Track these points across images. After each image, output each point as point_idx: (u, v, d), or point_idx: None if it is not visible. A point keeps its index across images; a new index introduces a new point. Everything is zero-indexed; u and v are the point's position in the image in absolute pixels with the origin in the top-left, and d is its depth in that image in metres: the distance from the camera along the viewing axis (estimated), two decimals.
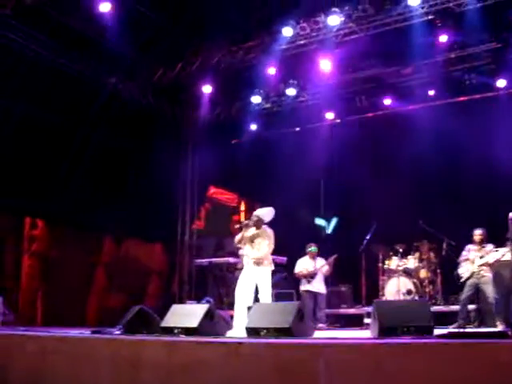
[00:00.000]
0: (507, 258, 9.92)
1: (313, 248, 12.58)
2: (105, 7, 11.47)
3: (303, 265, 12.57)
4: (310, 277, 12.37)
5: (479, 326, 10.61)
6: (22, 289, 13.26)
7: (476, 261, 10.28)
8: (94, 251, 14.85)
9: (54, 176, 13.93)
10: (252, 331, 7.11)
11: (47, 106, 13.39)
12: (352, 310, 13.03)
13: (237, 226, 10.18)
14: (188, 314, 7.68)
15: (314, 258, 12.55)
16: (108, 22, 11.73)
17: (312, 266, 12.44)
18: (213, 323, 7.65)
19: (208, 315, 7.56)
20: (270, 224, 9.66)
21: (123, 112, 14.94)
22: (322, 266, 12.39)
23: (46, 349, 7.01)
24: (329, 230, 17.04)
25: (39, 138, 13.28)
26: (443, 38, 12.57)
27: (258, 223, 9.47)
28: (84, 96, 14.09)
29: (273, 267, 9.51)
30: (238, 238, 9.61)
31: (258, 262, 9.37)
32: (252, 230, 9.47)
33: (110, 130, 14.90)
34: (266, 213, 9.59)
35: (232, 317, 9.68)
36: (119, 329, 8.30)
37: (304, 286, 12.46)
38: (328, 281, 12.94)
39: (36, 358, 6.88)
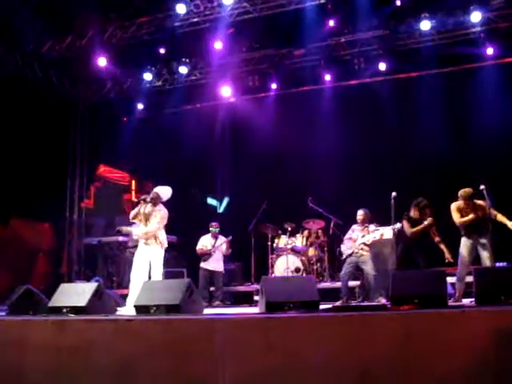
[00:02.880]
0: (388, 236, 10.40)
1: (213, 228, 12.66)
2: None
3: (203, 242, 12.65)
4: (207, 255, 12.46)
5: (363, 301, 11.07)
6: None
7: (358, 240, 10.71)
8: None
9: None
10: (142, 309, 7.09)
11: None
12: (242, 288, 13.23)
13: (136, 199, 10.04)
14: (76, 293, 7.54)
15: (214, 237, 12.64)
16: None
17: (211, 245, 12.54)
18: (102, 302, 7.56)
19: (97, 294, 7.47)
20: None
21: (9, 84, 14.29)
22: (220, 244, 12.51)
23: None
24: (220, 210, 17.21)
25: None
26: (332, 23, 12.95)
27: (156, 200, 9.42)
28: None
29: (165, 245, 9.49)
30: (133, 212, 9.50)
31: (149, 240, 9.32)
32: (148, 207, 9.40)
33: None
34: (165, 191, 9.55)
35: (122, 296, 9.63)
36: (4, 310, 8.06)
37: (201, 264, 12.54)
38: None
39: None
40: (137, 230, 9.61)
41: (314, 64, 14.31)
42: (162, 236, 9.46)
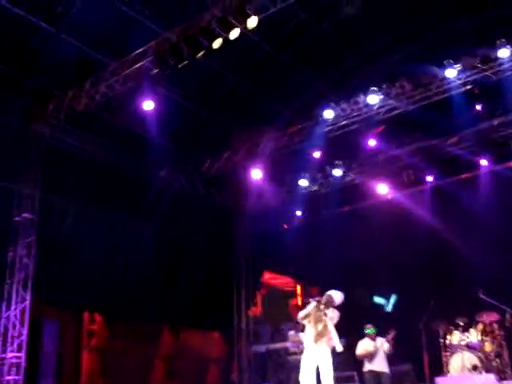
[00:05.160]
0: None
1: (371, 329, 12.25)
2: (148, 105, 11.95)
3: (364, 346, 12.23)
4: (372, 357, 12.01)
5: None
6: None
7: None
8: (152, 343, 14.89)
9: (109, 271, 14.20)
10: None
11: (101, 203, 13.84)
12: None
13: (309, 300, 9.94)
14: None
15: (373, 338, 12.20)
16: (153, 118, 12.20)
17: (372, 346, 12.09)
18: None
19: None
20: None
21: (174, 204, 15.29)
22: (381, 343, 12.03)
23: None
24: (388, 308, 16.71)
25: (95, 234, 13.65)
26: (479, 107, 12.71)
27: (329, 304, 9.33)
28: (136, 191, 14.52)
29: (339, 349, 9.25)
30: (303, 313, 9.40)
31: (321, 341, 9.17)
32: (320, 309, 9.29)
33: (162, 222, 15.24)
34: (338, 296, 9.44)
35: None
36: None
37: (366, 367, 12.08)
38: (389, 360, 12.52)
39: None
40: (312, 332, 9.38)
41: (469, 150, 13.96)
42: (336, 338, 9.27)
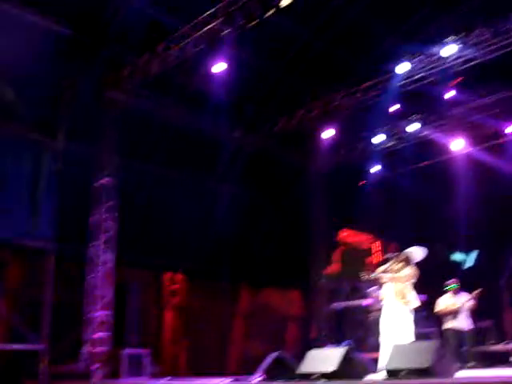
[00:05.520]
0: None
1: (453, 285, 12.04)
2: (221, 67, 11.93)
3: (445, 302, 12.07)
4: (454, 314, 11.84)
5: None
6: (166, 341, 13.77)
7: None
8: (232, 301, 15.21)
9: (188, 232, 14.50)
10: (391, 373, 6.97)
11: (177, 165, 14.08)
12: (496, 347, 12.26)
13: (386, 256, 9.83)
14: (325, 358, 7.64)
15: (455, 294, 12.00)
16: (226, 79, 12.20)
17: (454, 303, 11.91)
18: (351, 367, 7.56)
19: (346, 359, 7.49)
20: None
21: (249, 164, 15.39)
22: (466, 300, 11.81)
23: None
24: (468, 264, 16.39)
25: (173, 197, 13.95)
26: None
27: (407, 261, 9.20)
28: (211, 152, 14.68)
29: (415, 305, 9.17)
30: (380, 269, 9.33)
31: (399, 299, 9.10)
32: (398, 266, 9.18)
33: (239, 182, 15.39)
34: (417, 253, 9.28)
35: (373, 359, 9.48)
36: (258, 376, 8.42)
37: (448, 324, 11.93)
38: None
39: None
40: (389, 290, 9.32)
41: None
42: (411, 295, 9.18)
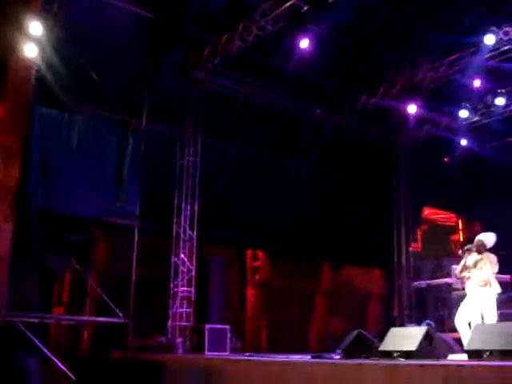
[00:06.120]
0: None
1: None
2: (304, 43, 11.81)
3: None
4: None
5: None
6: (248, 318, 14.01)
7: None
8: (313, 279, 15.28)
9: (270, 210, 14.63)
10: (473, 353, 6.85)
11: (257, 144, 14.18)
12: None
13: (459, 251, 9.81)
14: (407, 337, 7.62)
15: None
16: (307, 56, 12.11)
17: None
18: (432, 346, 7.49)
19: (427, 338, 7.43)
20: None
21: (330, 142, 15.31)
22: None
23: (271, 373, 7.38)
24: None
25: (254, 174, 14.09)
26: None
27: (481, 248, 9.14)
28: (292, 130, 14.69)
29: (498, 290, 9.07)
30: (459, 268, 9.33)
31: (482, 285, 9.01)
32: (474, 256, 9.15)
33: (319, 160, 15.35)
34: (489, 238, 9.22)
35: (456, 340, 9.38)
36: (339, 353, 8.47)
37: None
38: None
39: (260, 381, 7.26)
40: (472, 275, 9.24)
41: None
42: (494, 282, 9.09)
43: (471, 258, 9.17)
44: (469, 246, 9.29)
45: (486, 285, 8.98)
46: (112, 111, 11.82)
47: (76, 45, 10.53)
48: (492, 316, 8.88)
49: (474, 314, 8.92)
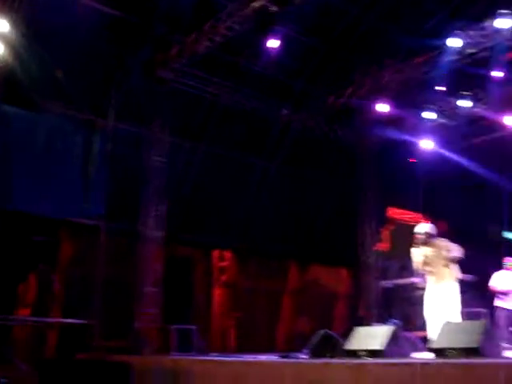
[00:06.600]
0: None
1: (510, 263, 11.87)
2: (272, 43, 11.79)
3: (499, 279, 11.91)
4: (505, 294, 11.68)
5: None
6: (215, 318, 13.98)
7: None
8: (280, 278, 15.31)
9: (236, 210, 14.62)
10: (438, 352, 6.94)
11: (225, 144, 14.17)
12: None
13: (414, 248, 9.77)
14: (372, 336, 7.67)
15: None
16: (274, 57, 12.13)
17: (508, 282, 11.73)
18: (398, 345, 7.56)
19: (393, 337, 7.50)
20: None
21: (297, 142, 15.36)
22: None
23: (239, 373, 7.38)
24: None
25: (221, 175, 14.07)
26: None
27: (430, 239, 9.16)
28: (259, 130, 14.70)
29: (458, 276, 9.10)
30: (418, 263, 9.29)
31: (440, 276, 9.04)
32: (430, 249, 9.15)
33: (287, 160, 15.39)
34: (424, 227, 9.30)
35: (421, 338, 9.46)
36: (305, 353, 8.50)
37: (498, 303, 11.78)
38: None
39: (227, 381, 7.25)
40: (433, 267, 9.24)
41: None
42: (454, 268, 9.11)
43: (428, 251, 9.15)
44: (416, 241, 9.23)
45: (443, 274, 8.97)
46: (78, 110, 11.69)
47: (41, 42, 10.40)
48: (455, 308, 8.89)
49: (435, 307, 8.94)
